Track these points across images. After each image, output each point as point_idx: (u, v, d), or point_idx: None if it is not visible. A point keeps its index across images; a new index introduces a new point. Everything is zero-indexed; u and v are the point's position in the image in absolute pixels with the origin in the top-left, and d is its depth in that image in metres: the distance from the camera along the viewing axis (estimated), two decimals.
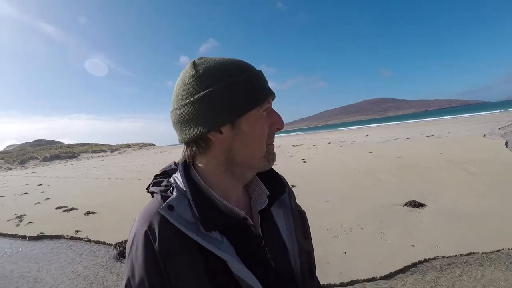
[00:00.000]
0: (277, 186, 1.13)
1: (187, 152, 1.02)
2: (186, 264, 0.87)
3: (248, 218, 0.98)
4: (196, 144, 0.97)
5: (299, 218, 1.20)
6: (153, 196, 1.01)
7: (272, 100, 1.01)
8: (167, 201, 0.90)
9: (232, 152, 0.96)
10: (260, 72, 0.99)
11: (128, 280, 0.89)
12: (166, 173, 1.09)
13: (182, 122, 0.96)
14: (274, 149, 1.05)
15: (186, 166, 1.02)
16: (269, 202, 1.07)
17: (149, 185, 1.05)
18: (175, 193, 0.93)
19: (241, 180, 1.03)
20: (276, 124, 1.00)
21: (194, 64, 0.95)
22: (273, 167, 1.09)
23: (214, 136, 0.93)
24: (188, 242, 0.86)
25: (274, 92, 1.00)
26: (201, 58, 0.97)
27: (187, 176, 0.98)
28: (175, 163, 1.11)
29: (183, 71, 0.98)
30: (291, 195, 1.23)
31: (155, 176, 1.08)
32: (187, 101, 0.93)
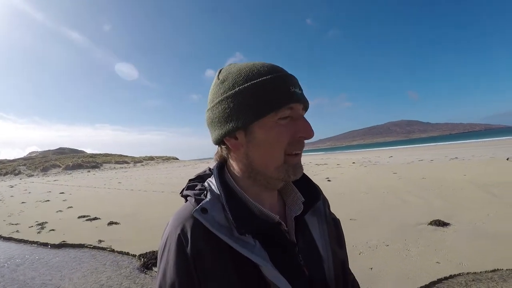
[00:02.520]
0: (312, 193, 1.11)
1: (217, 155, 1.06)
2: (218, 267, 0.86)
3: (283, 223, 0.98)
4: (220, 147, 1.03)
5: (334, 226, 1.19)
6: (186, 200, 1.02)
7: (305, 108, 0.98)
8: (200, 204, 0.91)
9: (250, 159, 0.96)
10: (282, 76, 0.94)
11: (160, 283, 0.90)
12: (201, 178, 1.10)
13: (209, 125, 1.01)
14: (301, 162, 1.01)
15: (221, 170, 1.03)
16: (304, 209, 1.06)
17: (183, 189, 1.07)
18: (209, 196, 0.94)
19: (268, 187, 1.00)
20: (300, 132, 0.94)
21: (220, 71, 1.00)
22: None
23: (229, 141, 0.96)
24: (221, 245, 0.87)
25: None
26: (231, 64, 1.01)
27: (221, 180, 0.99)
28: (209, 169, 1.12)
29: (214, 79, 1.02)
30: (326, 203, 1.22)
31: (189, 180, 1.10)
32: (210, 106, 0.99)
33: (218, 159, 1.06)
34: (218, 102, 0.94)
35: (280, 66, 0.98)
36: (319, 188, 1.16)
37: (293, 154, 0.95)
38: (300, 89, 0.95)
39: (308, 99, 0.97)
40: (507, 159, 18.71)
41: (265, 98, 0.89)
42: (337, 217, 1.25)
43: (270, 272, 0.86)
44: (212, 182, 1.01)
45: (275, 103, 0.89)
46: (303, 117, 0.96)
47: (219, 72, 0.99)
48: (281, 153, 0.93)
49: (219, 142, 1.00)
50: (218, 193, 0.95)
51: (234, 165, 1.00)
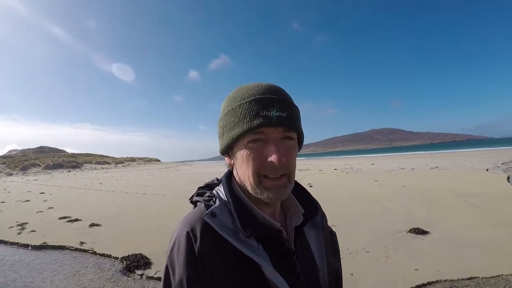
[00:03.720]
0: (311, 207, 1.18)
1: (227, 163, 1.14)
2: (222, 265, 0.95)
3: (283, 231, 1.05)
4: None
5: (330, 238, 1.30)
6: (195, 206, 1.11)
7: (286, 130, 0.99)
8: (210, 209, 1.00)
9: (238, 175, 1.07)
10: (257, 100, 0.98)
11: (167, 276, 0.99)
12: (209, 186, 1.19)
13: None
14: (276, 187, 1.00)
15: (229, 180, 1.12)
16: (304, 220, 1.13)
17: (193, 195, 1.15)
18: (217, 203, 1.03)
19: (261, 202, 1.03)
20: (268, 157, 0.96)
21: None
22: None
23: (225, 157, 1.11)
24: (226, 246, 0.95)
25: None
26: (242, 85, 1.07)
27: (229, 188, 1.08)
28: (217, 179, 1.21)
29: None
30: (323, 217, 1.32)
31: (199, 188, 1.19)
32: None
33: (229, 166, 1.15)
34: (219, 120, 1.08)
35: (276, 85, 1.04)
36: (318, 203, 1.25)
37: (269, 177, 0.98)
38: (280, 110, 0.97)
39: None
40: (487, 169, 19.24)
41: (237, 122, 0.98)
42: None
43: (271, 273, 0.93)
44: (220, 190, 1.11)
45: (242, 127, 0.97)
46: (276, 141, 0.97)
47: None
48: (254, 175, 0.98)
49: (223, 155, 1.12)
50: (226, 200, 1.05)
51: (236, 176, 1.09)
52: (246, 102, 0.98)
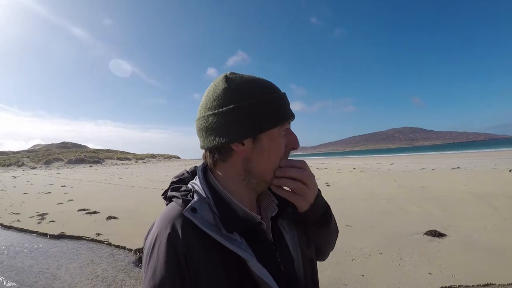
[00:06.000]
0: (282, 198, 1.15)
1: (209, 159, 1.07)
2: (207, 262, 0.91)
3: (263, 222, 1.05)
4: (218, 151, 1.03)
5: None
6: (170, 201, 1.06)
7: (291, 121, 1.09)
8: (190, 204, 0.95)
9: (250, 164, 1.02)
10: (284, 94, 1.07)
11: (149, 281, 0.91)
12: (182, 180, 1.15)
13: (208, 130, 1.02)
14: None
15: (205, 173, 1.08)
16: (278, 211, 1.14)
17: (166, 190, 1.11)
18: (196, 197, 0.98)
19: (256, 190, 1.08)
20: (292, 144, 1.08)
21: (227, 78, 1.03)
22: None
23: (237, 147, 1.00)
24: (210, 242, 0.91)
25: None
26: (233, 73, 1.05)
27: (207, 182, 1.04)
28: (187, 172, 1.19)
29: (215, 83, 1.05)
30: (293, 207, 1.23)
31: (172, 182, 1.15)
32: (216, 111, 1.00)
33: (210, 163, 1.08)
34: (230, 109, 0.98)
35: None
36: None
37: None
38: None
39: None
40: (510, 170, 18.44)
41: (278, 111, 1.01)
42: None
43: (256, 266, 0.91)
44: (196, 184, 1.07)
45: (283, 117, 1.02)
46: (291, 130, 1.09)
47: (226, 78, 1.03)
48: (279, 160, 1.04)
49: (221, 147, 1.01)
50: (204, 194, 1.00)
51: (229, 168, 1.04)
52: (281, 94, 1.05)
